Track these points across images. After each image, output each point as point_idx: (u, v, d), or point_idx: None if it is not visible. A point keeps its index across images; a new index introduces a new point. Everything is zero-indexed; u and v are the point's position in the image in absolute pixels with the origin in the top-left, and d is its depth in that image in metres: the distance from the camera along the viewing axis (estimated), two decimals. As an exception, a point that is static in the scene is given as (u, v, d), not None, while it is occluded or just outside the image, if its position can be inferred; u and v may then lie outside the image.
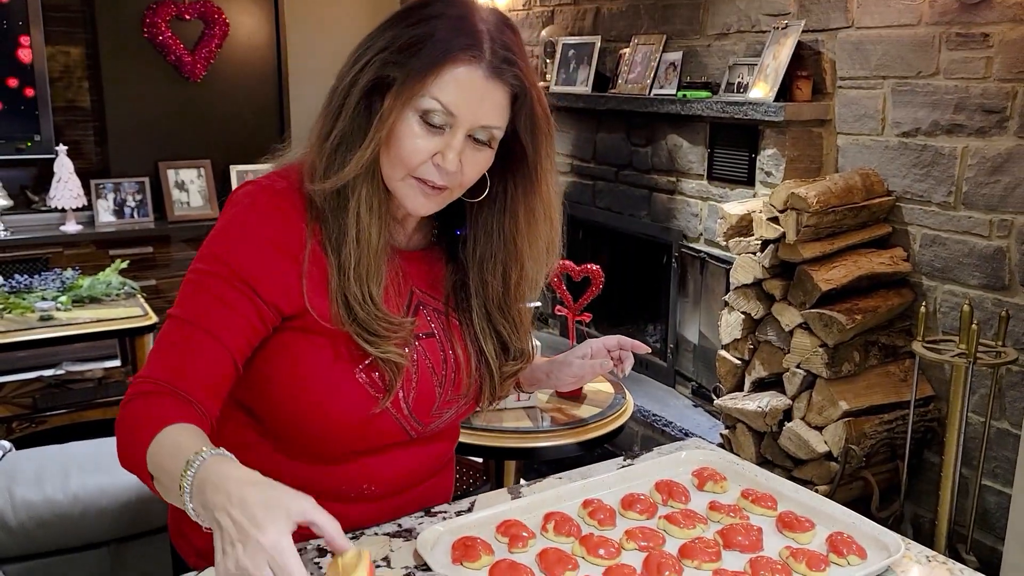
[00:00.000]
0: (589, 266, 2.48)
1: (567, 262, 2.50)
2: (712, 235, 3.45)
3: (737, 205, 3.11)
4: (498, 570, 1.13)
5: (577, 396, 2.58)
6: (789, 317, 2.87)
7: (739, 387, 3.15)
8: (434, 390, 1.24)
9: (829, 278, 2.77)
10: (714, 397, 3.20)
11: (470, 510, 1.32)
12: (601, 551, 1.19)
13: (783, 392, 2.95)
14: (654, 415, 3.54)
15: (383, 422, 1.20)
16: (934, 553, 1.24)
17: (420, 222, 1.26)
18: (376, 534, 1.25)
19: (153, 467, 0.98)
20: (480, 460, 2.85)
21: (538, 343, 2.17)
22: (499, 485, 2.48)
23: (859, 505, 2.90)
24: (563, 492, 1.35)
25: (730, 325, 3.11)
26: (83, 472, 1.83)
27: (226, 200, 1.17)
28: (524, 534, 1.22)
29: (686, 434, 3.38)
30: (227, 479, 0.89)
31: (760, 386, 3.07)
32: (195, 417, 1.04)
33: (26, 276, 3.74)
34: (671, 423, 3.46)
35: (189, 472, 0.92)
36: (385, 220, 1.16)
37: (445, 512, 1.31)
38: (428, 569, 1.14)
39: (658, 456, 1.50)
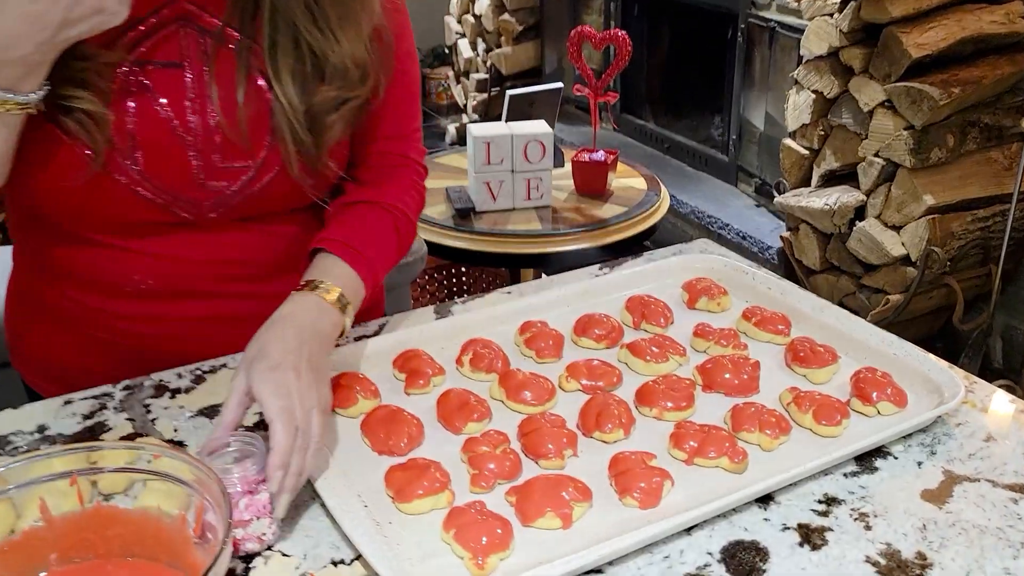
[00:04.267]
0: (614, 32, 2.02)
1: (587, 28, 2.04)
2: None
3: (813, -45, 2.52)
4: (372, 421, 0.82)
5: (601, 193, 2.20)
6: (870, 94, 2.36)
7: (806, 182, 2.70)
8: (183, 153, 0.86)
9: (923, 42, 2.23)
10: (775, 194, 2.76)
11: (377, 333, 1.00)
12: (527, 393, 0.86)
13: (856, 187, 2.49)
14: (709, 217, 3.13)
15: (117, 194, 0.85)
16: (1012, 398, 0.87)
17: None
18: (228, 366, 0.94)
19: None
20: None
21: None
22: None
23: (939, 316, 2.50)
24: (501, 312, 1.01)
25: (798, 108, 2.61)
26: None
27: None
28: (428, 370, 0.90)
29: (743, 238, 2.98)
30: None
31: (830, 180, 2.61)
32: None
33: None
34: (727, 225, 3.05)
35: None
36: None
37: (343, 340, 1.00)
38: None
39: (645, 263, 1.14)
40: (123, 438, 0.83)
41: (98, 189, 0.83)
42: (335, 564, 0.68)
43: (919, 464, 0.77)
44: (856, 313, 2.39)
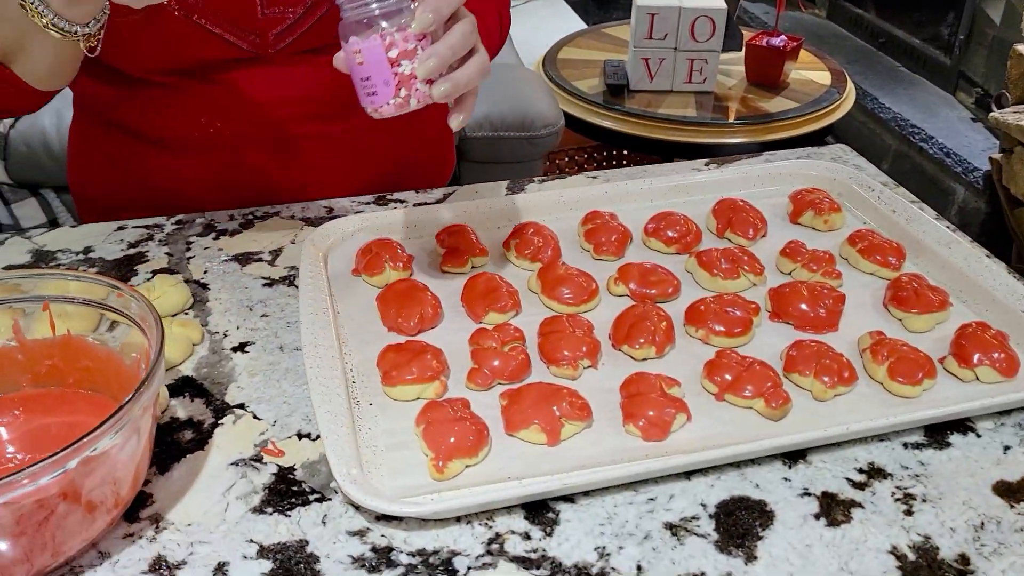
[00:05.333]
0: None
1: None
2: None
3: None
4: (390, 293, 0.77)
5: (774, 84, 1.98)
6: None
7: (1034, 98, 2.31)
8: None
9: None
10: (993, 108, 2.39)
11: (442, 200, 0.94)
12: (564, 290, 0.77)
13: (1094, 109, 2.10)
14: (912, 127, 2.77)
15: (175, 28, 0.81)
16: None
17: None
18: (281, 215, 0.91)
19: None
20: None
21: None
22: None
23: None
24: (570, 197, 0.91)
25: (1040, 8, 2.21)
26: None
27: None
28: (469, 249, 0.83)
29: (947, 155, 2.63)
30: None
31: (1063, 98, 2.22)
32: None
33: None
34: (931, 138, 2.70)
35: None
36: None
37: (402, 201, 0.94)
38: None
39: (762, 164, 0.99)
40: (155, 271, 0.82)
41: (154, 23, 0.80)
42: (300, 437, 0.64)
43: (1006, 449, 0.63)
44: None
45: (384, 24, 0.64)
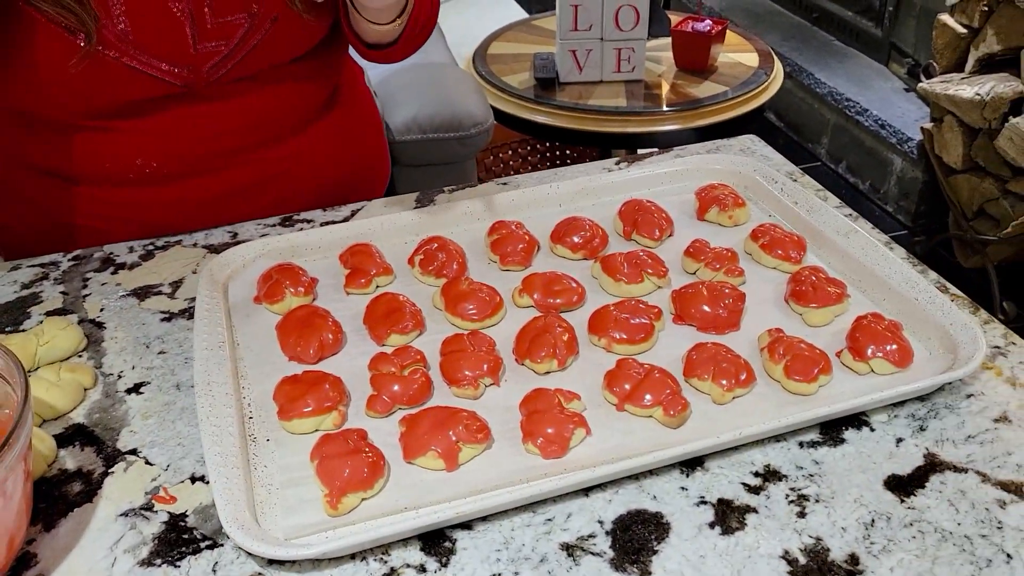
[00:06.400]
0: None
1: None
2: None
3: None
4: (289, 321, 0.75)
5: (702, 69, 1.98)
6: (1046, -37, 1.98)
7: (960, 67, 2.34)
8: (169, 11, 0.80)
9: (1122, -101, 1.82)
10: (921, 78, 2.42)
11: (350, 218, 0.92)
12: (469, 307, 0.76)
13: (1017, 75, 2.13)
14: (848, 100, 2.80)
15: (108, 71, 0.80)
16: (1052, 371, 0.69)
17: None
18: (183, 244, 0.89)
19: None
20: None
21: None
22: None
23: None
24: (478, 208, 0.91)
25: (960, -23, 2.24)
26: None
27: None
28: (372, 269, 0.82)
29: (882, 126, 2.66)
30: None
31: (987, 66, 2.25)
32: None
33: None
34: (866, 111, 2.73)
35: None
36: None
37: (309, 220, 0.93)
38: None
39: (671, 160, 0.98)
40: (49, 313, 0.80)
41: (89, 69, 0.79)
42: (193, 480, 0.63)
43: (898, 442, 0.63)
44: (996, 222, 2.08)
45: None
